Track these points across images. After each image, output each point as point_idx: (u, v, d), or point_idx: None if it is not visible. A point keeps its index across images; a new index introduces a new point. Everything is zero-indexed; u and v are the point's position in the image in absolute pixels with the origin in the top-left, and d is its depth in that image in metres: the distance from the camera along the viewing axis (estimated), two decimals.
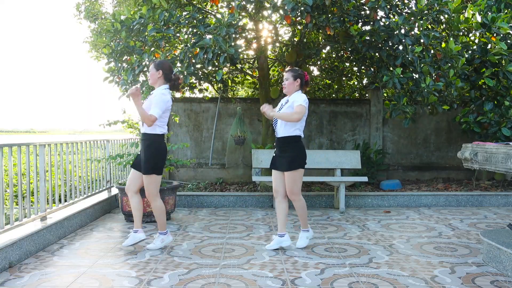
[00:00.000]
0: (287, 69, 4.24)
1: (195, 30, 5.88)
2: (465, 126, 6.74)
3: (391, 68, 6.16)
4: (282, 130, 4.04)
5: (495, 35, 6.32)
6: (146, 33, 5.91)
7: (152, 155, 4.02)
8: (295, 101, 3.99)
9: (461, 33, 6.17)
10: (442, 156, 8.28)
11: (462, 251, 4.06)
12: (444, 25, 6.42)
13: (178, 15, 5.85)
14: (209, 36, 5.68)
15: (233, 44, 5.53)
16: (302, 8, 5.31)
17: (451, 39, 5.89)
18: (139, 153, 4.21)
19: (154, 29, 5.70)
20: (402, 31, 5.77)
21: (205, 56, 5.51)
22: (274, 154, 4.17)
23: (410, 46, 5.66)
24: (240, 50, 5.65)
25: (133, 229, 4.16)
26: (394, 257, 3.87)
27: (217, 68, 5.86)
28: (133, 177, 4.18)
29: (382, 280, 3.29)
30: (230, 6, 5.70)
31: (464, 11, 6.63)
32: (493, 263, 3.58)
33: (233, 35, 5.57)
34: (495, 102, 6.62)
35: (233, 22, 5.48)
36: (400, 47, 5.89)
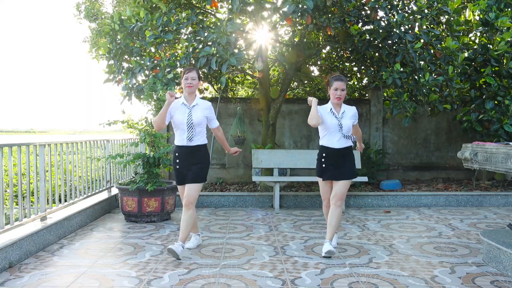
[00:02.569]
0: (337, 76, 3.99)
1: (195, 36, 5.86)
2: (467, 124, 6.74)
3: (390, 68, 6.16)
4: (345, 141, 4.00)
5: (498, 33, 6.33)
6: (146, 38, 5.89)
7: (208, 163, 4.04)
8: (356, 118, 4.09)
9: (461, 33, 6.17)
10: (442, 156, 8.28)
11: (462, 251, 4.06)
12: (444, 26, 6.43)
13: (176, 17, 5.83)
14: (209, 43, 5.66)
15: (234, 51, 5.51)
16: (303, 9, 5.31)
17: (450, 37, 5.90)
18: (178, 167, 3.96)
19: (152, 36, 5.70)
20: (402, 28, 5.77)
21: (207, 63, 5.51)
22: (324, 165, 4.03)
23: (410, 43, 5.65)
24: (241, 57, 5.62)
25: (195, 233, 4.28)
26: (394, 257, 3.87)
27: (219, 71, 5.85)
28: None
29: (382, 280, 3.28)
30: (232, 12, 5.67)
31: (464, 11, 6.64)
32: (493, 263, 3.58)
33: (234, 43, 5.57)
34: (496, 102, 6.64)
35: (233, 30, 5.47)
36: (400, 45, 5.89)
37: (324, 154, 4.03)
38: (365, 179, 6.22)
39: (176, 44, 6.62)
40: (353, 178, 4.06)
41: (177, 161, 3.95)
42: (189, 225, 3.90)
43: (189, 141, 3.91)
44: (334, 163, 4.00)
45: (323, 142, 4.06)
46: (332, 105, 4.02)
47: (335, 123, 3.96)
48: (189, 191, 3.91)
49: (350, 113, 4.03)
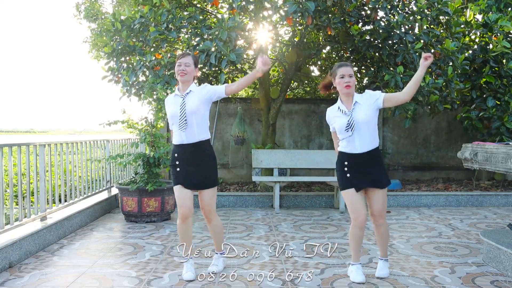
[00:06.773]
0: (340, 63, 3.24)
1: (197, 32, 5.85)
2: (468, 122, 6.75)
3: (391, 68, 6.16)
4: (368, 142, 3.18)
5: (497, 34, 6.34)
6: (147, 34, 5.88)
7: (216, 163, 3.54)
8: (379, 94, 3.20)
9: (460, 34, 6.18)
10: (442, 156, 8.28)
11: (462, 251, 4.06)
12: (444, 26, 6.43)
13: (180, 16, 5.83)
14: (210, 37, 5.66)
15: (234, 47, 5.50)
16: (304, 9, 5.30)
17: (450, 39, 5.90)
18: (178, 169, 3.39)
19: (156, 31, 5.67)
20: (402, 29, 5.78)
21: (207, 59, 5.50)
22: (348, 175, 3.21)
23: (410, 44, 5.66)
24: (240, 54, 5.60)
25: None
26: (394, 257, 3.87)
27: (218, 70, 5.85)
28: (189, 197, 3.44)
29: (382, 280, 3.29)
30: (232, 8, 5.67)
31: (465, 11, 6.65)
32: (493, 263, 3.58)
33: (234, 39, 5.56)
34: (498, 102, 6.66)
35: (234, 25, 5.46)
36: (400, 45, 5.89)
37: (346, 163, 3.21)
38: None
39: (176, 43, 6.62)
40: (389, 183, 3.29)
41: (177, 162, 3.39)
42: (222, 232, 3.60)
43: (183, 133, 3.33)
44: (360, 171, 3.19)
45: (342, 147, 3.25)
46: (341, 100, 3.22)
47: (343, 121, 3.15)
48: (206, 197, 3.46)
49: (363, 99, 3.18)
